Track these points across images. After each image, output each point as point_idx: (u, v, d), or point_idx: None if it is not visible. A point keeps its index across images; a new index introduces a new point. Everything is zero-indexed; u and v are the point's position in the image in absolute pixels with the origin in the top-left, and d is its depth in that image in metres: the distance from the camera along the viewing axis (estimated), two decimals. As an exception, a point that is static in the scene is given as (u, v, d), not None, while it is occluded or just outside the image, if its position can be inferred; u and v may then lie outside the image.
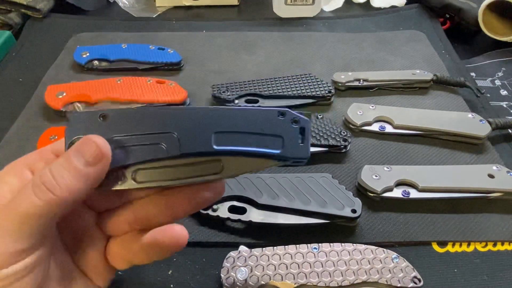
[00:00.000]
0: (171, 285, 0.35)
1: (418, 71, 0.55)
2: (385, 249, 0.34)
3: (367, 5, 0.74)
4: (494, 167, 0.41)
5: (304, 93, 0.51)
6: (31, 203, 0.20)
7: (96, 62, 0.57)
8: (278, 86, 0.52)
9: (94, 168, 0.21)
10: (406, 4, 0.74)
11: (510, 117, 0.50)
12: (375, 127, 0.48)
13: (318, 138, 0.44)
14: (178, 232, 0.24)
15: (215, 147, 0.23)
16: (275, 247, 0.34)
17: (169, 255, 0.25)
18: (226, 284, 0.32)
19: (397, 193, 0.40)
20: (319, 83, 0.52)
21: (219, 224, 0.39)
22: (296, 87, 0.52)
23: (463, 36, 0.67)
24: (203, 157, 0.23)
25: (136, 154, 0.23)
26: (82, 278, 0.26)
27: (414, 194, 0.40)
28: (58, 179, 0.20)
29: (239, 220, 0.37)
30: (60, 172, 0.21)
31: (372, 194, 0.40)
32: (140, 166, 0.23)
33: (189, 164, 0.23)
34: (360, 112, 0.48)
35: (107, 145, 0.22)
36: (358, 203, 0.37)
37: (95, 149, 0.21)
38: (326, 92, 0.51)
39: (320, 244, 0.34)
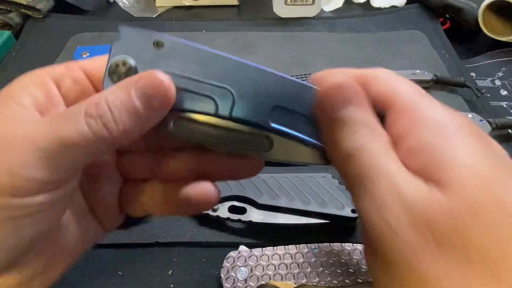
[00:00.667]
0: (171, 285, 0.35)
1: (418, 71, 0.55)
2: (385, 249, 0.34)
3: (367, 5, 0.74)
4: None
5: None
6: (79, 133, 0.17)
7: (96, 62, 0.57)
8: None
9: (156, 113, 0.19)
10: (406, 4, 0.74)
11: (510, 117, 0.50)
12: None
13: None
14: (210, 189, 0.22)
15: (272, 124, 0.20)
16: (275, 247, 0.34)
17: (192, 212, 0.23)
18: (226, 284, 0.32)
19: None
20: (319, 83, 0.52)
21: (219, 224, 0.39)
22: (296, 87, 0.51)
23: (463, 36, 0.67)
24: (254, 128, 0.20)
25: (185, 101, 0.20)
26: (92, 219, 0.24)
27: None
28: (116, 117, 0.18)
29: (239, 220, 0.37)
30: (119, 110, 0.18)
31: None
32: (185, 115, 0.20)
33: (235, 130, 0.20)
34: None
35: (173, 87, 0.19)
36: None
37: (163, 93, 0.18)
38: (326, 92, 0.51)
39: (320, 244, 0.34)
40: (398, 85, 0.19)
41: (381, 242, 0.16)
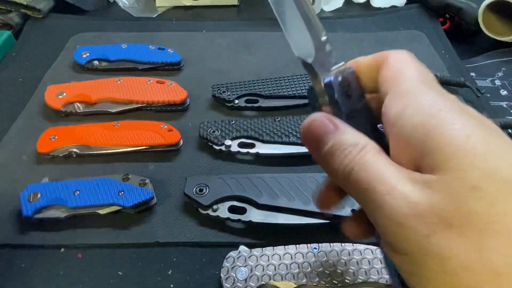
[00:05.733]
0: (171, 285, 0.35)
1: (418, 71, 0.55)
2: (385, 249, 0.34)
3: (367, 5, 0.74)
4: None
5: (304, 93, 0.51)
6: None
7: (96, 62, 0.57)
8: (278, 86, 0.52)
9: None
10: (406, 4, 0.74)
11: (510, 117, 0.50)
12: (375, 127, 0.48)
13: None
14: None
15: None
16: (275, 247, 0.34)
17: None
18: (226, 284, 0.32)
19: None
20: (319, 83, 0.52)
21: (219, 224, 0.39)
22: (296, 87, 0.52)
23: (463, 36, 0.67)
24: None
25: None
26: None
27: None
28: None
29: (239, 220, 0.37)
30: None
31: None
32: None
33: None
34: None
35: None
36: (358, 203, 0.37)
37: None
38: (326, 92, 0.51)
39: (320, 244, 0.34)
40: (403, 69, 0.21)
41: (396, 242, 0.17)
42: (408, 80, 0.20)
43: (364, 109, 0.23)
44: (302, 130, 0.21)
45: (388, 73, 0.21)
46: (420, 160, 0.17)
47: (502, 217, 0.15)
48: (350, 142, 0.19)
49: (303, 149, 0.44)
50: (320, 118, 0.21)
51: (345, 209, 0.36)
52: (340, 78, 0.22)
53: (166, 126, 0.46)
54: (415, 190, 0.16)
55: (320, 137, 0.20)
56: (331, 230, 0.37)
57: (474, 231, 0.15)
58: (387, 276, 0.32)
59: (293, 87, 0.51)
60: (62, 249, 0.37)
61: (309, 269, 0.33)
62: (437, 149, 0.17)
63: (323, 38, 0.22)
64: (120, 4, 0.75)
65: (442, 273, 0.16)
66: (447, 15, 0.69)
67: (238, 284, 0.32)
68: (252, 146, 0.45)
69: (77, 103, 0.50)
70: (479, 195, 0.15)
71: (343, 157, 0.19)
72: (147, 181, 0.40)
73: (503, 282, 0.15)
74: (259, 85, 0.52)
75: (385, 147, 0.20)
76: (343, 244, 0.34)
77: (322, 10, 0.72)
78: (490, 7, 0.61)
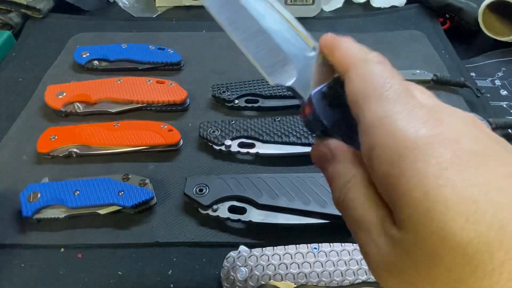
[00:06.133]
0: (171, 285, 0.35)
1: (418, 71, 0.55)
2: (385, 249, 0.34)
3: (367, 5, 0.74)
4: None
5: (304, 93, 0.51)
6: None
7: (96, 62, 0.57)
8: (278, 86, 0.52)
9: None
10: (406, 4, 0.74)
11: (510, 117, 0.50)
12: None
13: (318, 138, 0.44)
14: None
15: None
16: (275, 247, 0.34)
17: None
18: (226, 284, 0.32)
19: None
20: (319, 83, 0.52)
21: (219, 224, 0.39)
22: (296, 87, 0.52)
23: (463, 36, 0.67)
24: None
25: None
26: None
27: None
28: None
29: (239, 220, 0.37)
30: None
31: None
32: None
33: None
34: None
35: None
36: None
37: None
38: (326, 92, 0.51)
39: (320, 244, 0.34)
40: (368, 89, 0.19)
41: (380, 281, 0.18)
42: (368, 107, 0.18)
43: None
44: (311, 154, 0.22)
45: (350, 94, 0.19)
46: (390, 205, 0.17)
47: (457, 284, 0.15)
48: (342, 172, 0.20)
49: (303, 149, 0.44)
50: (319, 149, 0.21)
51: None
52: (324, 89, 0.21)
53: (166, 126, 0.46)
54: (387, 245, 0.17)
55: (322, 164, 0.21)
56: (331, 230, 0.37)
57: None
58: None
59: (293, 87, 0.51)
60: (62, 249, 0.37)
61: (309, 269, 0.33)
62: (398, 205, 0.16)
63: (311, 53, 0.22)
64: (120, 4, 0.75)
65: None
66: (447, 15, 0.69)
67: (238, 284, 0.32)
68: (252, 146, 0.45)
69: (77, 103, 0.50)
70: (436, 263, 0.15)
71: (336, 187, 0.20)
72: (147, 181, 0.40)
73: None
74: (259, 85, 0.52)
75: None
76: (343, 244, 0.34)
77: (322, 10, 0.72)
78: (490, 7, 0.61)
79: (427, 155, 0.15)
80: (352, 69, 0.20)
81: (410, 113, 0.17)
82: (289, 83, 0.22)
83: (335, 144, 0.21)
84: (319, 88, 0.21)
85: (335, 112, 0.21)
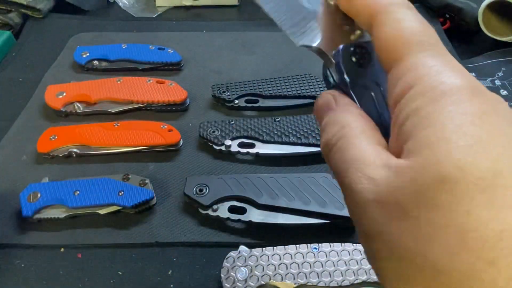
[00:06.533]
0: (171, 285, 0.35)
1: (418, 71, 0.55)
2: (385, 249, 0.34)
3: (367, 5, 0.74)
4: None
5: (304, 93, 0.51)
6: None
7: (96, 62, 0.57)
8: (278, 86, 0.52)
9: None
10: (406, 4, 0.74)
11: (510, 117, 0.50)
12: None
13: (318, 138, 0.44)
14: None
15: None
16: (275, 247, 0.34)
17: None
18: (226, 284, 0.32)
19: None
20: (319, 83, 0.52)
21: (219, 224, 0.39)
22: (296, 87, 0.52)
23: (463, 36, 0.67)
24: None
25: None
26: None
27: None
28: None
29: (239, 220, 0.37)
30: None
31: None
32: None
33: None
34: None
35: None
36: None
37: None
38: (326, 92, 0.51)
39: (320, 244, 0.34)
40: (403, 36, 0.18)
41: (359, 224, 0.17)
42: (410, 52, 0.17)
43: (380, 84, 0.21)
44: (314, 105, 0.22)
45: (386, 39, 0.18)
46: (404, 143, 0.16)
47: (465, 216, 0.14)
48: (341, 119, 0.19)
49: (303, 149, 0.44)
50: (326, 95, 0.20)
51: (345, 209, 0.36)
52: (352, 48, 0.21)
53: (166, 126, 0.46)
54: (384, 176, 0.16)
55: (323, 113, 0.20)
56: (331, 230, 0.38)
57: (429, 225, 0.14)
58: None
59: (293, 87, 0.51)
60: (62, 249, 0.37)
61: (309, 269, 0.33)
62: (420, 134, 0.15)
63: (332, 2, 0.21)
64: (120, 4, 0.75)
65: (390, 260, 0.15)
66: (447, 15, 0.69)
67: (238, 284, 0.32)
68: (252, 146, 0.45)
69: (77, 103, 0.50)
70: (446, 188, 0.14)
71: (329, 130, 0.19)
72: (147, 181, 0.40)
73: (442, 278, 0.14)
74: (259, 85, 0.52)
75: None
76: (343, 244, 0.34)
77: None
78: (490, 7, 0.61)
79: (467, 100, 0.15)
80: (383, 13, 0.19)
81: (451, 64, 0.17)
82: (315, 43, 0.21)
83: (342, 94, 0.21)
84: (349, 44, 0.21)
85: (358, 72, 0.21)
